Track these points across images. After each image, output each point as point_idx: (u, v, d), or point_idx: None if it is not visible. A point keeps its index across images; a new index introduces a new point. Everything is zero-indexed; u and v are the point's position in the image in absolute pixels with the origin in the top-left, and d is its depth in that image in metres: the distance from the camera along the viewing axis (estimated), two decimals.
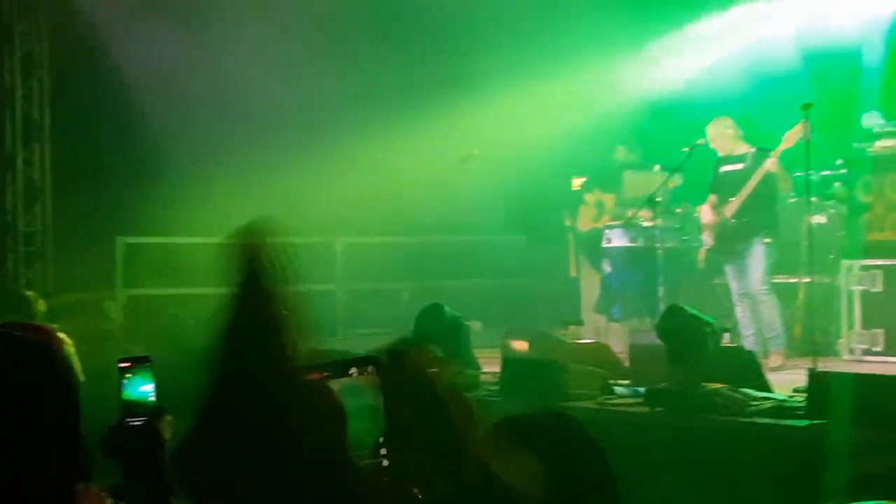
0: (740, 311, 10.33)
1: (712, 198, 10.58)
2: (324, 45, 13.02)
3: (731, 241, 10.36)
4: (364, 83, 13.25)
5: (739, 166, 10.37)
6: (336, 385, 2.37)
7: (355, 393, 2.39)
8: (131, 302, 12.66)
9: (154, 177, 12.45)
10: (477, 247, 13.84)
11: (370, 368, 2.39)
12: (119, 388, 2.74)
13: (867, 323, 10.30)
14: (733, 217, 10.29)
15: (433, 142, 12.71)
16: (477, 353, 9.12)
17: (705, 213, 10.59)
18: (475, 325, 10.47)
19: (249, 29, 12.96)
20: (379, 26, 13.34)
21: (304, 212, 12.53)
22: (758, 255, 10.22)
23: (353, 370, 2.39)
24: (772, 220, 10.37)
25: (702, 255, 10.88)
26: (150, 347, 9.05)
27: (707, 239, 10.63)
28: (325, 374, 2.36)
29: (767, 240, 10.20)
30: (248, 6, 12.89)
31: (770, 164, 10.05)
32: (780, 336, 10.13)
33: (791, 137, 9.90)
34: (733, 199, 10.26)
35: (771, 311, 10.23)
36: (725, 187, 10.43)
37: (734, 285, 10.45)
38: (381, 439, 2.33)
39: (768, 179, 10.17)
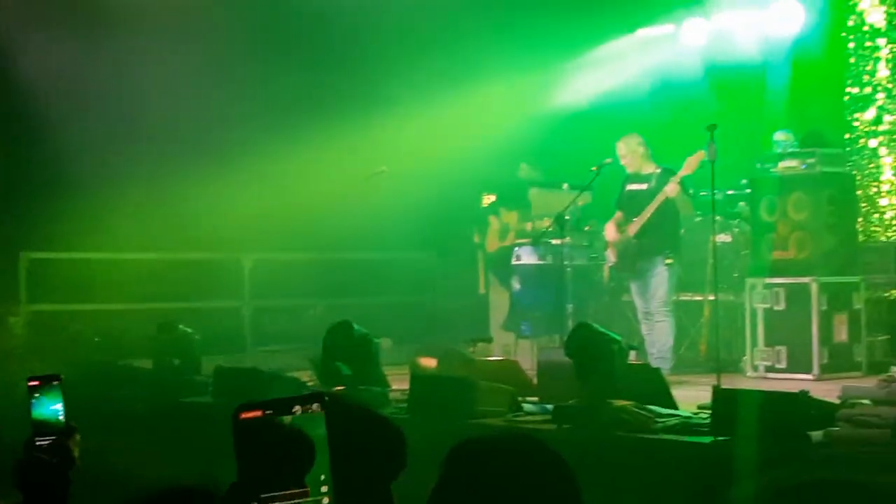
0: (645, 329, 10.44)
1: (618, 215, 10.69)
2: (233, 58, 12.92)
3: (634, 260, 10.45)
4: (273, 98, 13.16)
5: (644, 186, 10.47)
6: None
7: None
8: (35, 318, 12.44)
9: (57, 191, 12.25)
10: (386, 263, 13.81)
11: (315, 406, 2.32)
12: (28, 407, 2.69)
13: (770, 340, 10.45)
14: (635, 236, 10.38)
15: (342, 158, 12.68)
16: (386, 370, 9.10)
17: (609, 231, 10.68)
18: (384, 343, 10.44)
19: (154, 41, 12.81)
20: (290, 41, 13.26)
21: (210, 227, 12.44)
22: (660, 276, 10.32)
23: (296, 408, 2.31)
24: (673, 241, 10.47)
25: (606, 271, 10.97)
26: (53, 364, 8.88)
27: (610, 256, 10.72)
28: (268, 411, 2.29)
29: (669, 260, 10.29)
30: (153, 18, 12.72)
31: (670, 189, 10.14)
32: (667, 360, 10.20)
33: (691, 164, 10.04)
34: (636, 218, 10.36)
35: (665, 332, 10.33)
36: (630, 205, 10.54)
37: (638, 303, 10.57)
38: (322, 476, 2.28)
39: (670, 202, 10.27)
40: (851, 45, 12.93)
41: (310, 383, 8.90)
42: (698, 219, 11.73)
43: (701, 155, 9.89)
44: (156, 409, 9.48)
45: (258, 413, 2.28)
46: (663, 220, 10.30)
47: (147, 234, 12.52)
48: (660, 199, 10.18)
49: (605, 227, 10.81)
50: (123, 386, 10.08)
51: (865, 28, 12.81)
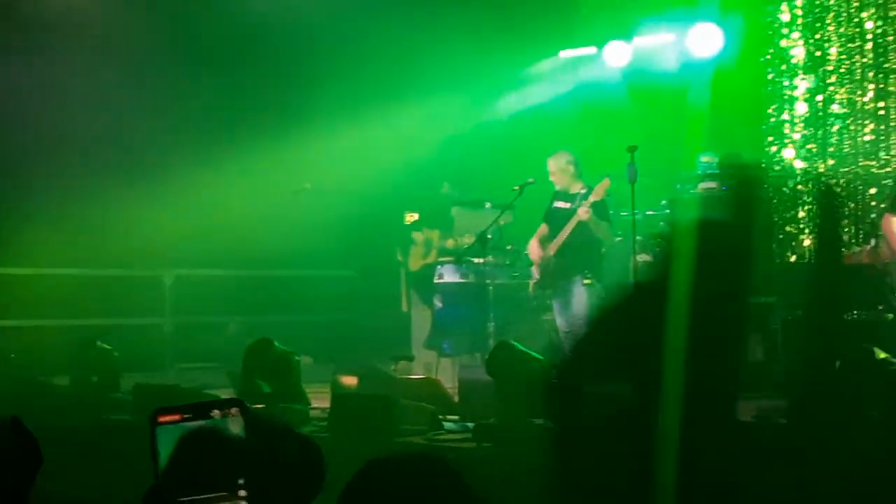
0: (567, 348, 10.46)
1: (543, 229, 10.67)
2: (155, 73, 12.83)
3: (554, 278, 10.48)
4: (195, 114, 13.07)
5: (568, 205, 10.50)
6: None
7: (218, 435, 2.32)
8: None
9: None
10: (309, 281, 13.77)
11: (234, 410, 2.30)
12: None
13: None
14: (555, 255, 10.42)
15: (266, 175, 12.64)
16: (307, 388, 9.07)
17: (532, 248, 10.68)
18: (306, 360, 10.39)
19: (74, 55, 12.67)
20: (213, 58, 13.16)
21: (130, 243, 12.31)
22: (579, 295, 10.34)
23: (215, 411, 2.29)
24: (592, 261, 10.47)
25: (531, 287, 11.00)
26: None
27: (535, 272, 10.74)
28: (186, 415, 2.27)
29: (587, 280, 10.33)
30: (74, 32, 12.60)
31: (581, 213, 10.20)
32: None
33: (598, 191, 10.11)
34: (556, 238, 10.40)
35: None
36: (554, 222, 10.57)
37: (559, 321, 10.56)
38: (240, 480, 2.28)
39: (586, 225, 10.32)
40: (770, 75, 13.20)
41: None
42: (619, 239, 11.84)
43: (607, 183, 10.03)
44: (74, 426, 9.36)
45: (176, 416, 2.26)
46: (581, 241, 10.32)
47: (66, 249, 12.36)
48: (573, 221, 10.22)
49: (529, 244, 10.82)
50: (40, 403, 9.94)
51: (784, 66, 13.11)
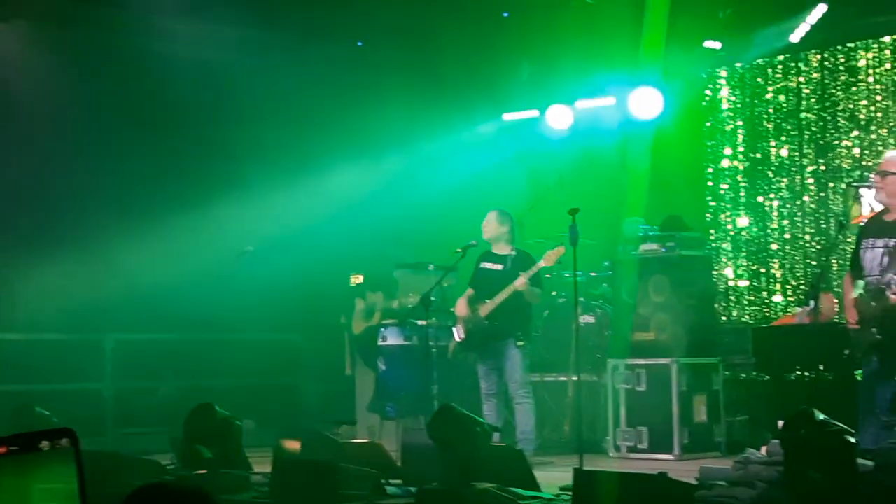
0: (487, 409, 10.38)
1: (470, 291, 10.69)
2: (96, 138, 12.75)
3: (483, 341, 10.43)
4: (134, 178, 12.97)
5: (499, 267, 10.48)
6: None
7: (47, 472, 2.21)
8: None
9: None
10: (251, 344, 13.66)
11: (64, 441, 2.19)
12: None
13: (632, 421, 10.60)
14: (486, 318, 10.39)
15: (209, 238, 12.57)
16: (249, 453, 8.97)
17: (460, 308, 10.63)
18: (247, 425, 10.30)
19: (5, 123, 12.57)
20: (154, 121, 13.09)
21: (70, 307, 12.16)
22: (514, 358, 10.30)
23: (44, 443, 2.17)
24: (524, 324, 10.45)
25: (451, 348, 10.93)
26: None
27: (459, 332, 10.68)
28: (13, 447, 2.14)
29: (520, 343, 10.32)
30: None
31: (518, 283, 10.15)
32: (530, 441, 10.22)
33: (550, 258, 10.14)
34: (489, 301, 10.35)
35: (526, 414, 10.33)
36: (482, 284, 10.54)
37: (483, 384, 10.49)
38: None
39: (520, 292, 10.28)
40: (710, 142, 13.40)
41: (170, 466, 8.73)
42: (562, 300, 11.90)
43: (560, 251, 10.05)
44: None
45: (2, 450, 2.15)
46: (515, 305, 10.30)
47: (3, 313, 12.22)
48: (510, 289, 10.21)
49: (456, 303, 10.79)
50: None
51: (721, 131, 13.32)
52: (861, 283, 8.10)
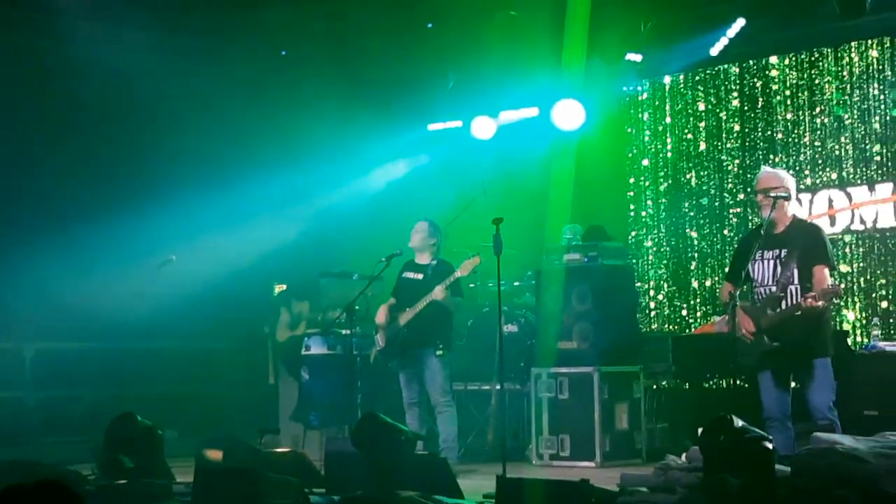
0: (409, 417, 10.42)
1: (392, 300, 10.73)
2: (9, 142, 12.57)
3: (402, 349, 10.47)
4: (57, 181, 12.84)
5: (420, 276, 10.55)
6: None
7: None
8: None
9: None
10: (173, 353, 13.57)
11: None
12: None
13: (554, 429, 10.68)
14: (405, 326, 10.44)
15: (131, 246, 12.47)
16: (171, 462, 8.92)
17: (381, 316, 10.67)
18: (169, 434, 10.24)
19: None
20: (60, 127, 12.93)
21: None
22: (433, 368, 10.37)
23: None
24: (444, 333, 10.50)
25: (373, 355, 10.97)
26: None
27: (380, 340, 10.71)
28: None
29: (440, 352, 10.37)
30: None
31: (436, 293, 10.22)
32: (453, 449, 10.27)
33: (466, 267, 10.21)
34: (409, 309, 10.41)
35: (448, 422, 10.39)
36: (404, 294, 10.60)
37: (405, 393, 10.56)
38: None
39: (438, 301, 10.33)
40: (632, 153, 13.56)
41: (91, 476, 8.66)
42: (486, 309, 11.97)
43: (476, 260, 10.15)
44: None
45: None
46: (436, 314, 10.36)
47: None
48: (428, 299, 10.27)
49: (377, 312, 10.83)
50: None
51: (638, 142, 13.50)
52: (752, 292, 8.30)
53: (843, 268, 11.71)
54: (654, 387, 11.53)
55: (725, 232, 12.85)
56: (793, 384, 8.19)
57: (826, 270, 7.94)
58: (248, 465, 8.53)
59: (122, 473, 8.26)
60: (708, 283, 12.91)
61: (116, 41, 12.60)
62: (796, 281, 7.93)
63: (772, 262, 8.08)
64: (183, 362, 13.58)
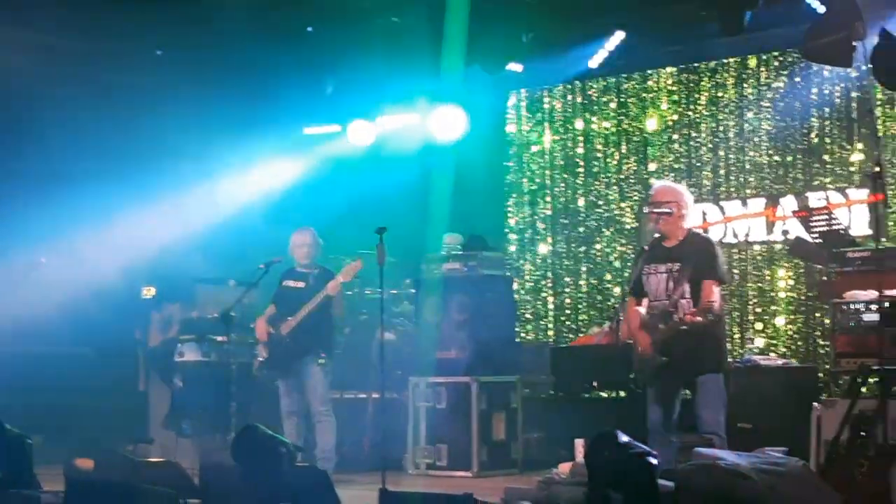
0: (287, 427, 10.29)
1: (271, 309, 10.59)
2: None
3: (285, 359, 10.34)
4: None
5: (301, 284, 10.43)
6: None
7: None
8: None
9: None
10: (40, 359, 13.17)
11: None
12: None
13: (432, 438, 10.66)
14: (288, 336, 10.33)
15: None
16: (38, 471, 8.65)
17: (260, 327, 10.54)
18: (36, 442, 9.92)
19: None
20: None
21: None
22: (315, 376, 10.27)
23: None
24: (327, 341, 10.45)
25: (255, 367, 10.80)
26: None
27: (262, 352, 10.56)
28: None
29: (322, 360, 10.28)
30: None
31: (331, 287, 10.17)
32: (330, 460, 10.16)
33: (348, 272, 10.13)
34: (291, 318, 10.29)
35: (327, 432, 10.28)
36: (285, 302, 10.46)
37: (284, 402, 10.42)
38: None
39: (327, 303, 10.25)
40: (512, 163, 13.60)
41: None
42: (364, 317, 11.88)
43: (358, 265, 10.08)
44: None
45: None
46: (318, 321, 10.27)
47: None
48: (318, 299, 10.15)
49: (256, 322, 10.66)
50: None
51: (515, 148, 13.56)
52: (645, 307, 8.33)
53: None
54: (532, 397, 11.56)
55: (606, 242, 12.95)
56: (686, 395, 8.22)
57: (714, 286, 7.98)
58: (119, 475, 8.32)
59: None
60: (587, 293, 13.00)
61: None
62: (687, 295, 7.96)
63: (665, 276, 8.10)
64: (49, 368, 13.18)
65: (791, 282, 11.74)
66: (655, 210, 8.19)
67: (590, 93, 13.16)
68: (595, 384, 11.00)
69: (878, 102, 11.05)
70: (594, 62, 12.47)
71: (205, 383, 11.21)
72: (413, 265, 11.55)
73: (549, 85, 13.38)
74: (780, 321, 11.71)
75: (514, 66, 12.82)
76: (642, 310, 8.20)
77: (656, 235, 8.27)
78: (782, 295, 11.77)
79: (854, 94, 11.35)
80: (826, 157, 11.57)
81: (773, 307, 11.79)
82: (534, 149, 13.55)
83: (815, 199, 11.41)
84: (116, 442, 10.56)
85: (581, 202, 13.19)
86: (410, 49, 12.50)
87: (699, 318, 7.74)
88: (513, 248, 13.48)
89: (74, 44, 12.98)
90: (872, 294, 8.11)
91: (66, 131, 12.93)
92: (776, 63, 11.92)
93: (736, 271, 11.94)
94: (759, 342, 11.36)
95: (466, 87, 12.73)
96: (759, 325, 11.80)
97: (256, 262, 10.54)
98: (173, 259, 12.81)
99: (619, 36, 12.21)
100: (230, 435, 10.02)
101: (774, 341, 11.62)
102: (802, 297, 11.64)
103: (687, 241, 8.23)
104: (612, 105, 13.00)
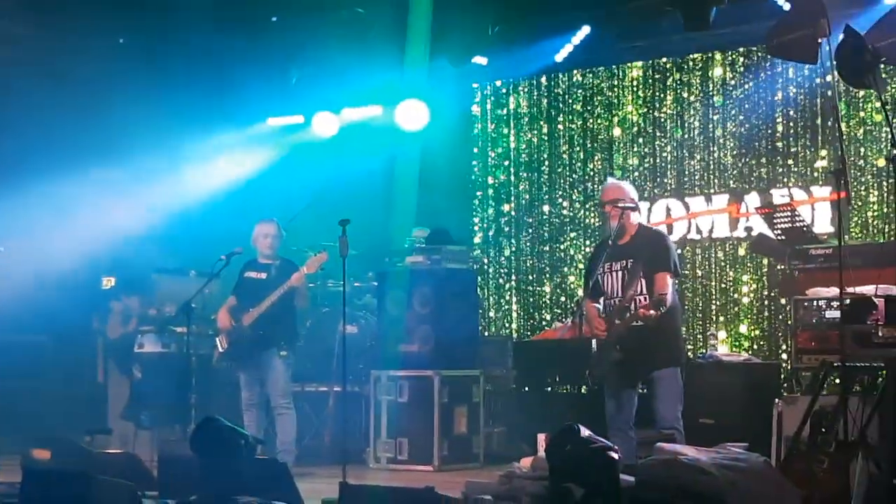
0: (247, 419, 10.22)
1: (231, 300, 10.51)
2: None
3: (247, 351, 10.26)
4: None
5: (263, 275, 10.37)
6: None
7: None
8: None
9: None
10: None
11: None
12: None
13: (393, 432, 10.64)
14: (250, 327, 10.24)
15: None
16: None
17: (222, 318, 10.44)
18: None
19: None
20: None
21: None
22: (277, 368, 10.20)
23: None
24: (290, 333, 10.39)
25: (215, 358, 10.73)
26: None
27: (221, 343, 10.48)
28: None
29: (284, 353, 10.22)
30: None
31: (295, 278, 10.11)
32: (290, 452, 10.11)
33: (313, 264, 10.07)
34: (253, 309, 10.21)
35: (288, 425, 10.23)
36: (246, 293, 10.39)
37: (245, 394, 10.36)
38: None
39: (290, 294, 10.20)
40: (477, 156, 13.57)
41: None
42: (326, 310, 11.81)
43: (323, 257, 10.02)
44: None
45: None
46: (281, 313, 10.20)
47: None
48: (281, 290, 10.09)
49: (218, 313, 10.58)
50: None
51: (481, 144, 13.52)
52: (601, 304, 8.37)
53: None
54: (494, 391, 11.54)
55: (571, 237, 12.94)
56: (642, 390, 8.24)
57: (668, 277, 8.00)
58: (77, 466, 8.24)
59: None
60: (549, 289, 12.98)
61: None
62: (642, 290, 7.99)
63: (619, 274, 8.16)
64: (5, 356, 13.04)
65: (754, 285, 11.74)
66: (620, 205, 8.21)
67: (556, 91, 13.12)
68: (557, 378, 10.96)
69: (842, 99, 11.06)
70: (560, 56, 12.45)
71: (164, 374, 11.15)
72: (376, 258, 11.50)
73: (514, 78, 13.33)
74: (742, 328, 11.72)
75: (480, 59, 12.79)
76: (599, 306, 8.24)
77: (608, 235, 8.30)
78: (745, 289, 11.77)
79: (819, 93, 11.37)
80: (790, 161, 11.58)
81: (735, 308, 11.80)
82: (499, 142, 13.51)
83: (778, 196, 11.43)
84: (74, 432, 10.43)
85: (546, 197, 13.14)
86: (375, 40, 12.46)
87: (652, 312, 7.76)
88: (478, 240, 13.43)
89: (35, 32, 12.87)
90: (834, 291, 8.12)
91: (27, 121, 12.80)
92: (742, 59, 11.92)
93: (699, 271, 11.96)
94: (723, 334, 11.37)
95: (431, 80, 12.67)
96: (721, 319, 11.82)
97: (218, 252, 10.45)
98: (133, 249, 12.70)
99: (585, 30, 12.20)
100: (189, 426, 9.98)
101: (737, 341, 11.64)
102: (765, 294, 11.65)
103: (638, 236, 8.31)
104: (578, 99, 12.96)
